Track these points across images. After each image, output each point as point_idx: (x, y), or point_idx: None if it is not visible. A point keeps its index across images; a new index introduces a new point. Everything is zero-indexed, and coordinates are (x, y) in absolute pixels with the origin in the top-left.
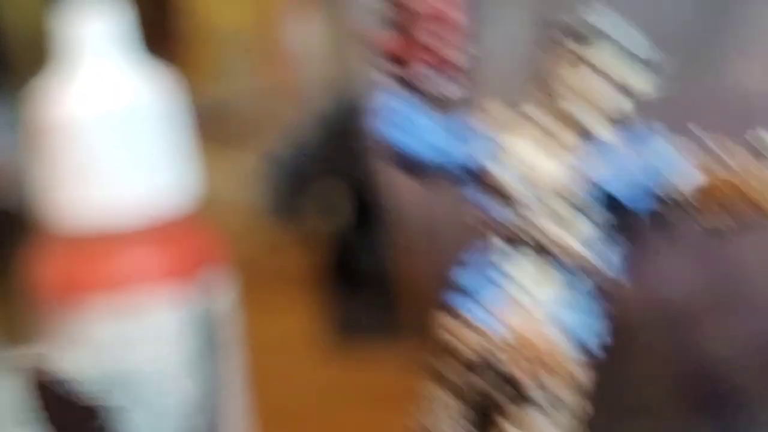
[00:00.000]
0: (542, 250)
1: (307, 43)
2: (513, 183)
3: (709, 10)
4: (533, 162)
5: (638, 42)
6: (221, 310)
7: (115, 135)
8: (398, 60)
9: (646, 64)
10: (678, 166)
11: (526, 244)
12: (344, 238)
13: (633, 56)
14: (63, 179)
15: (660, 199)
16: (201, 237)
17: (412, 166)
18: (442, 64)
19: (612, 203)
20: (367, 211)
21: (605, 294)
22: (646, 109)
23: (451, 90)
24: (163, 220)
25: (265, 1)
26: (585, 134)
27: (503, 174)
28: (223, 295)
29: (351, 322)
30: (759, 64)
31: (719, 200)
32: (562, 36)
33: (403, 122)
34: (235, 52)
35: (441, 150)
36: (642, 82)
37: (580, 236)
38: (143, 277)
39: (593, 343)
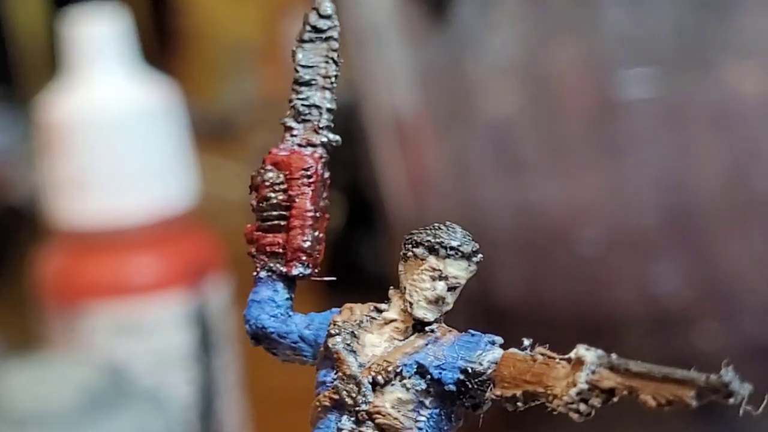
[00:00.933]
0: (361, 413)
1: None
2: (346, 355)
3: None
4: (371, 343)
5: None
6: (218, 309)
7: (116, 140)
8: (254, 243)
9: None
10: (483, 345)
11: (347, 406)
12: (344, 238)
13: (465, 256)
14: (66, 182)
15: (464, 371)
16: (198, 238)
17: (261, 337)
18: (291, 248)
19: (423, 372)
20: (367, 211)
21: None
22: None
23: (299, 270)
24: (162, 221)
25: (268, 7)
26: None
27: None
28: (220, 294)
29: None
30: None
31: (510, 375)
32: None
33: (265, 303)
34: (238, 58)
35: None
36: (465, 273)
37: (391, 400)
38: (142, 275)
39: None
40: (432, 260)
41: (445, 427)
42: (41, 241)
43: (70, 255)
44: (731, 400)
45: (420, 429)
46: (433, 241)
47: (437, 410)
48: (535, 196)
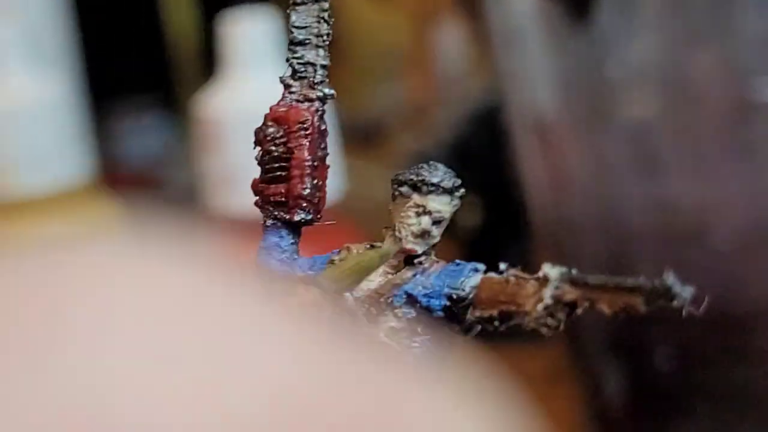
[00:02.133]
0: None
1: (454, 48)
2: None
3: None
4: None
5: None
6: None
7: None
8: (259, 194)
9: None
10: (466, 272)
11: None
12: (484, 238)
13: (447, 191)
14: (221, 176)
15: (449, 297)
16: (344, 232)
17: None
18: (292, 197)
19: (412, 301)
20: (509, 211)
21: None
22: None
23: (301, 216)
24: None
25: (418, 15)
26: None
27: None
28: None
29: None
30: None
31: (487, 297)
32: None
33: (272, 249)
34: (387, 64)
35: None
36: (448, 207)
37: (385, 330)
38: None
39: None
40: (416, 197)
41: (439, 353)
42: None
43: (231, 239)
44: (675, 303)
45: (414, 355)
46: (415, 179)
47: (429, 337)
48: (671, 195)
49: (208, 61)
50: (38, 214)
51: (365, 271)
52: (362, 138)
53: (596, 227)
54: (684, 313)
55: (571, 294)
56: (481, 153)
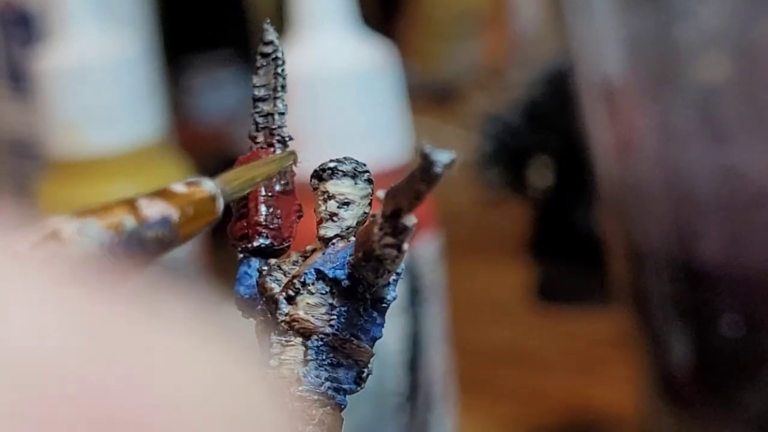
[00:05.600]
0: (281, 324)
1: (530, 9)
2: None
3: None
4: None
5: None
6: (428, 262)
7: (333, 97)
8: (231, 235)
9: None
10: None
11: (272, 323)
12: (555, 199)
13: (347, 174)
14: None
15: (349, 264)
16: None
17: (242, 307)
18: (250, 225)
19: (323, 277)
20: (579, 173)
21: (334, 348)
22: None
23: (260, 242)
24: (376, 177)
25: None
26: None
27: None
28: (431, 248)
29: (554, 286)
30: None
31: (356, 243)
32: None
33: (241, 278)
34: (464, 24)
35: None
36: (351, 189)
37: (303, 307)
38: None
39: (342, 392)
40: (321, 185)
41: (359, 322)
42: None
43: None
44: (437, 169)
45: (332, 326)
46: (318, 169)
47: (345, 308)
48: (738, 161)
49: (284, 17)
50: (107, 174)
51: (256, 179)
52: (436, 98)
53: (662, 192)
54: (440, 176)
55: (388, 205)
56: (554, 115)
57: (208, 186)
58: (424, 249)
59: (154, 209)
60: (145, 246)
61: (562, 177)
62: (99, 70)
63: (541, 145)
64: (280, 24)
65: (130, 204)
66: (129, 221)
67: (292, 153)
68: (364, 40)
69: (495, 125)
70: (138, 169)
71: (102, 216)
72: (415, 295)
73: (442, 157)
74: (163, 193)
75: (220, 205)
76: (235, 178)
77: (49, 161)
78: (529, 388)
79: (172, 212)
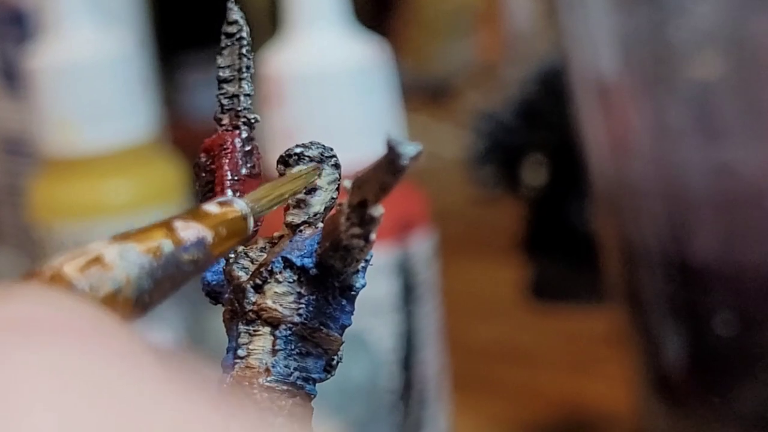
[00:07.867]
0: (249, 314)
1: (524, 7)
2: (237, 271)
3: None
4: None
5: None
6: (421, 260)
7: (326, 95)
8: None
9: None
10: None
11: (239, 312)
12: (549, 196)
13: (311, 159)
14: (280, 133)
15: (317, 252)
16: (408, 191)
17: (209, 293)
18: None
19: (291, 265)
20: (573, 170)
21: (303, 337)
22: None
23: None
24: None
25: None
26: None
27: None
28: (424, 246)
29: (548, 284)
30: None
31: (323, 233)
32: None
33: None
34: (457, 22)
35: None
36: (322, 176)
37: (271, 296)
38: None
39: (311, 382)
40: (287, 171)
41: (328, 310)
42: None
43: None
44: (403, 161)
45: (300, 315)
46: (284, 154)
47: (314, 296)
48: (733, 159)
49: (276, 16)
50: (101, 171)
51: (284, 195)
52: (430, 95)
53: (656, 190)
54: (406, 168)
55: (355, 196)
56: (548, 113)
57: (240, 205)
58: (418, 247)
59: (190, 232)
60: (181, 268)
61: (556, 175)
62: (92, 68)
63: (534, 143)
64: (275, 22)
65: (167, 226)
66: (167, 245)
67: (317, 167)
68: (357, 37)
69: (489, 123)
70: (131, 167)
71: (141, 240)
72: (408, 293)
73: (408, 149)
74: (197, 214)
75: (251, 223)
76: (264, 196)
77: (43, 159)
78: (523, 386)
79: (207, 234)
